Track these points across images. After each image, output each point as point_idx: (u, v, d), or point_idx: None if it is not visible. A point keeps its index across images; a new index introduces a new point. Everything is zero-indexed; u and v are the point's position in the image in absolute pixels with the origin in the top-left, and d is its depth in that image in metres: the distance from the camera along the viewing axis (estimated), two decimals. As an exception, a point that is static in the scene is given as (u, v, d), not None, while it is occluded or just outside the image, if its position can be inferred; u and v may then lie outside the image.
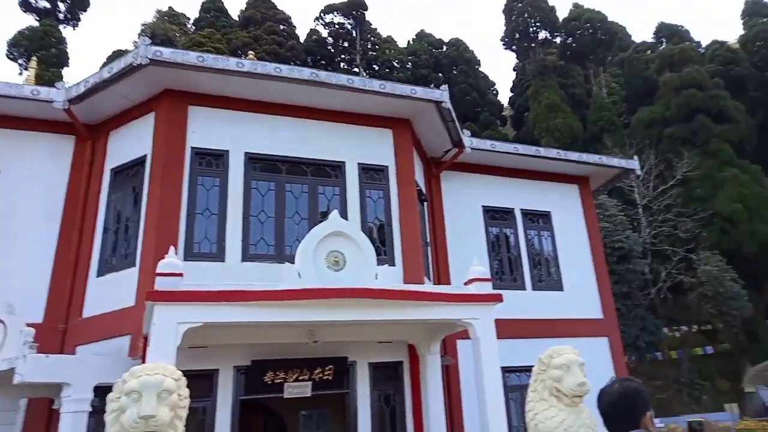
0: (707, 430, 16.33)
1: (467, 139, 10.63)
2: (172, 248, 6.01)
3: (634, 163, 13.02)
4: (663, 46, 41.17)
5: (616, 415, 2.09)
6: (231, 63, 7.87)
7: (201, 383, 6.79)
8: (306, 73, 8.30)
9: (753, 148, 35.02)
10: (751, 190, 29.04)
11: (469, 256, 8.19)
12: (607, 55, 48.89)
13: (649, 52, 46.15)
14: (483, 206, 11.53)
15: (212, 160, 8.23)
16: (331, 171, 8.89)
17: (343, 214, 8.33)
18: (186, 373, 3.78)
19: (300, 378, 7.27)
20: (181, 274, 5.71)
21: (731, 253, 27.00)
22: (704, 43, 45.96)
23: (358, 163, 9.04)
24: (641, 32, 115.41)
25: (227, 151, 8.29)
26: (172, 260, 5.77)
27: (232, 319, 5.76)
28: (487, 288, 6.95)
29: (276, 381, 7.18)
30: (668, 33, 42.25)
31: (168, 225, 7.45)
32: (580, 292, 11.72)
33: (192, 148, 8.10)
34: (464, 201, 11.37)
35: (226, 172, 8.19)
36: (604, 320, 11.65)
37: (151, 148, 8.06)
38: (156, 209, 7.50)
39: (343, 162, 8.95)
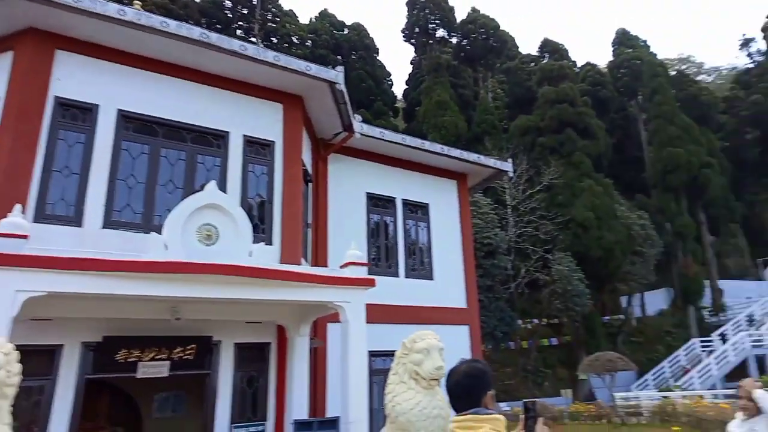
0: (545, 412, 18.26)
1: (358, 124, 10.67)
2: (18, 206, 5.33)
3: (507, 166, 13.98)
4: (545, 61, 44.54)
5: (460, 393, 2.21)
6: (111, 8, 7.08)
7: (41, 360, 6.15)
8: (196, 32, 7.74)
9: (608, 163, 39.32)
10: (602, 201, 32.60)
11: (348, 241, 8.27)
12: (496, 62, 51.79)
13: (532, 64, 49.68)
14: (367, 193, 11.70)
15: (78, 114, 7.39)
16: (214, 140, 8.44)
17: (222, 187, 7.99)
18: (23, 348, 3.40)
19: (157, 357, 6.86)
20: (26, 236, 5.09)
21: (581, 256, 30.18)
22: (579, 63, 50.59)
23: (244, 135, 8.68)
24: (528, 45, 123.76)
25: (97, 106, 7.49)
26: (16, 220, 5.13)
27: (82, 289, 5.25)
28: (361, 272, 7.08)
29: (129, 360, 6.71)
30: (551, 49, 45.76)
31: (17, 180, 6.58)
32: (449, 282, 12.40)
33: (55, 97, 7.20)
34: (349, 186, 11.44)
35: (93, 129, 7.40)
36: (467, 310, 12.44)
37: (5, 91, 7.03)
38: (4, 162, 6.59)
39: (228, 132, 8.53)
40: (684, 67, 70.68)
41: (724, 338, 30.11)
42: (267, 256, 6.63)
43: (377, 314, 9.69)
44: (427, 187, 12.83)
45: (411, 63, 57.74)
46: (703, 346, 30.60)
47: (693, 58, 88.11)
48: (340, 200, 11.13)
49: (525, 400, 2.25)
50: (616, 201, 34.90)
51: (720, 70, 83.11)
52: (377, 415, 9.19)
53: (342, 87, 9.19)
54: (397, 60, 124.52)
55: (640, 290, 35.49)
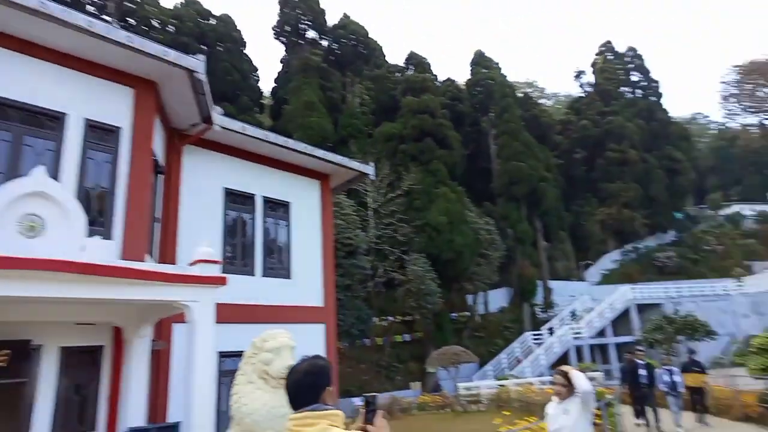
0: (395, 405, 19.16)
1: (218, 116, 10.28)
2: None
3: (369, 169, 14.44)
4: (410, 72, 46.63)
5: (299, 391, 2.20)
6: None
7: None
8: (33, 1, 6.88)
9: (462, 173, 42.34)
10: (455, 207, 35.04)
11: (201, 237, 7.94)
12: (364, 69, 53.00)
13: (398, 74, 51.66)
14: (225, 188, 11.31)
15: None
16: (48, 121, 7.57)
17: (55, 174, 7.21)
18: None
19: (-40, 364, 5.99)
20: None
21: (434, 257, 32.11)
22: (441, 78, 53.77)
23: (86, 119, 7.89)
24: (395, 55, 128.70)
25: None
26: None
27: None
28: (212, 270, 6.85)
29: None
30: (416, 62, 47.92)
31: None
32: (307, 281, 12.46)
33: None
34: (206, 180, 10.97)
35: None
36: (324, 308, 12.61)
37: None
38: None
39: (65, 114, 7.70)
40: (529, 90, 78.62)
41: (551, 331, 34.15)
42: (104, 251, 6.10)
43: (231, 314, 9.44)
44: (290, 185, 12.76)
45: (281, 61, 56.80)
46: (534, 339, 34.34)
47: (536, 83, 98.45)
48: (195, 194, 10.63)
49: (365, 394, 2.33)
50: (467, 207, 37.70)
51: (558, 96, 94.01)
52: (226, 417, 8.94)
53: (202, 76, 8.80)
54: (266, 57, 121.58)
55: (484, 289, 38.76)
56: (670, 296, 36.78)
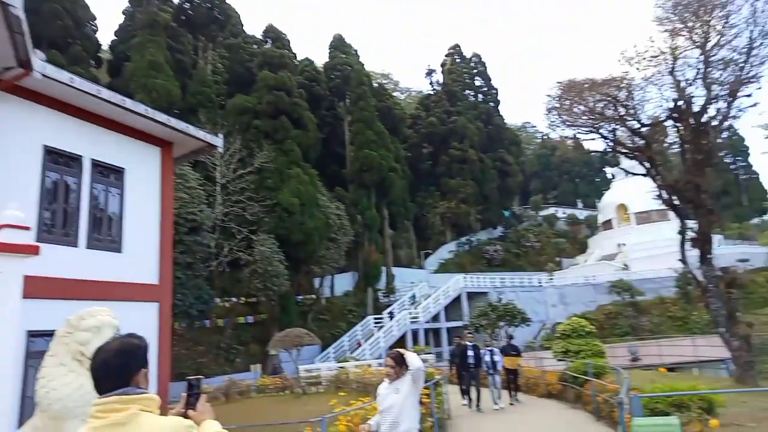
0: (233, 388, 18.55)
1: (40, 62, 8.75)
2: None
3: (218, 141, 13.52)
4: (268, 46, 44.96)
5: (106, 373, 1.91)
6: None
7: None
8: None
9: (316, 156, 42.15)
10: (307, 189, 34.85)
11: (11, 200, 6.71)
12: (219, 35, 49.88)
13: (255, 46, 49.56)
14: (45, 146, 9.71)
15: None
16: None
17: None
18: None
19: None
20: None
21: (283, 238, 31.61)
22: (299, 57, 52.80)
23: None
24: (253, 26, 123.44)
25: None
26: None
27: None
28: (21, 237, 5.83)
29: None
30: (274, 36, 46.33)
31: None
32: (140, 256, 11.32)
33: None
34: (21, 134, 9.30)
35: None
36: (158, 286, 11.58)
37: None
38: None
39: None
40: (384, 81, 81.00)
41: (391, 315, 35.81)
42: None
43: (46, 288, 8.25)
44: (126, 150, 11.40)
45: (123, 13, 50.95)
46: (375, 322, 35.74)
47: (392, 76, 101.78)
48: (7, 150, 8.99)
49: (189, 377, 2.07)
50: (320, 191, 37.75)
51: (411, 91, 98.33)
52: (33, 404, 7.77)
53: (19, 12, 7.38)
54: (107, 5, 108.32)
55: (331, 273, 39.29)
56: (495, 286, 40.85)
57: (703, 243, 15.46)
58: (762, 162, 71.09)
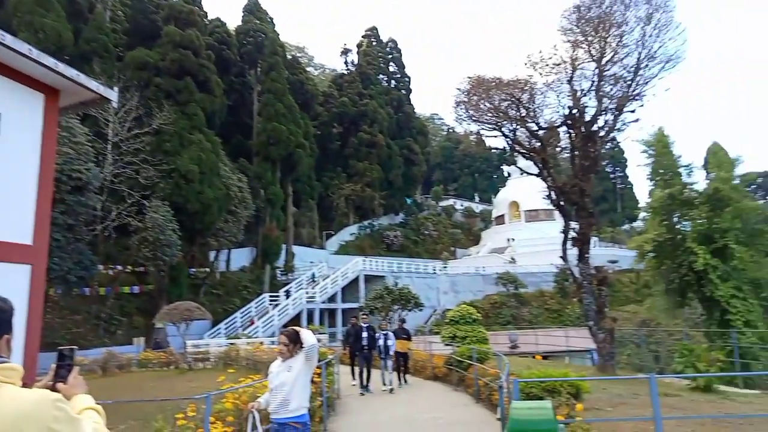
0: (111, 360, 17.40)
1: None
2: None
3: (112, 94, 12.33)
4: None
5: None
6: None
7: None
8: None
9: (221, 123, 40.28)
10: (209, 157, 33.23)
11: None
12: (121, -21, 45.71)
13: (161, -3, 46.03)
14: None
15: None
16: None
17: None
18: None
19: None
20: None
21: (178, 207, 29.95)
22: (210, 17, 49.84)
23: None
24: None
25: None
26: None
27: None
28: None
29: None
30: (183, -10, 43.33)
31: None
32: (11, 213, 10.16)
33: None
34: None
35: None
36: (32, 247, 10.44)
37: None
38: None
39: None
40: (299, 55, 79.03)
41: (288, 294, 35.45)
42: None
43: None
44: (3, 93, 10.14)
45: (4, -65, 44.82)
46: (271, 300, 35.20)
47: (307, 50, 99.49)
48: None
49: (60, 347, 1.86)
50: (222, 160, 36.17)
51: (325, 68, 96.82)
52: None
53: None
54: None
55: (228, 246, 37.91)
56: (392, 270, 41.81)
57: (582, 243, 16.83)
58: (636, 174, 78.86)
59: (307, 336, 4.68)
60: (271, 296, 35.62)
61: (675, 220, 19.95)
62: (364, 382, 13.27)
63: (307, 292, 35.05)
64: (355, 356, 13.89)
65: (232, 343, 21.86)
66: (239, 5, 53.17)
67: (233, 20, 54.25)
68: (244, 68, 49.19)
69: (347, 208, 58.75)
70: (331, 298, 36.73)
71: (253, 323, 31.56)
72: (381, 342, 13.46)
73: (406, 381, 14.68)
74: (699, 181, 22.19)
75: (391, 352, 13.66)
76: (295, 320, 32.10)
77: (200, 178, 31.74)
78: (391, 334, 13.96)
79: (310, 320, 33.41)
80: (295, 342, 4.77)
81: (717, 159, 26.61)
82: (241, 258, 41.72)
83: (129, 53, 36.79)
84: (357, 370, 13.66)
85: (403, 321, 16.68)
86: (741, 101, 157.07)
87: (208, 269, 36.03)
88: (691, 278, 17.66)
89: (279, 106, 43.69)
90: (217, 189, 32.93)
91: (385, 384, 13.30)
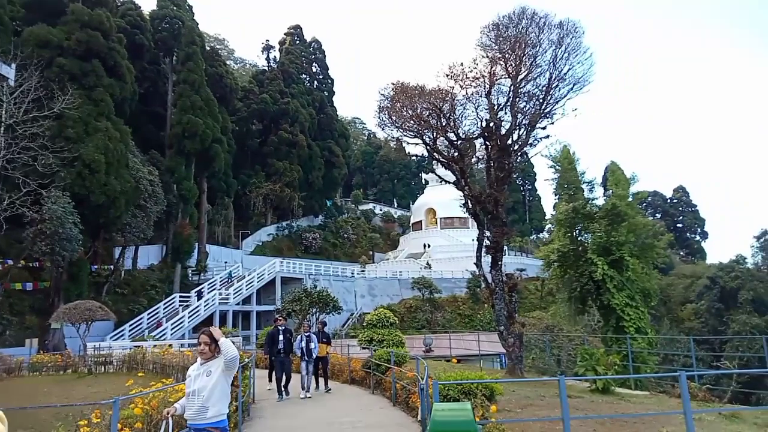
0: (0, 364, 15.80)
1: None
2: None
3: (8, 70, 11.46)
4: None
5: None
6: None
7: None
8: None
9: (131, 112, 37.87)
10: (117, 147, 31.13)
11: None
12: (22, -54, 41.77)
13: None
14: None
15: None
16: None
17: None
18: None
19: None
20: None
21: (81, 198, 27.81)
22: (124, -1, 46.90)
23: None
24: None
25: None
26: None
27: None
28: None
29: None
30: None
31: None
32: None
33: None
34: None
35: None
36: None
37: None
38: None
39: None
40: (219, 47, 76.48)
41: (200, 295, 34.03)
42: None
43: None
44: None
45: None
46: (181, 301, 33.61)
47: (227, 43, 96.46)
48: None
49: None
50: (131, 151, 34.12)
51: (246, 63, 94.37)
52: None
53: None
54: None
55: (136, 243, 35.71)
56: (310, 273, 41.46)
57: (496, 251, 17.65)
58: (544, 187, 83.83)
59: (227, 347, 4.55)
60: (181, 297, 34.01)
61: (578, 232, 21.39)
62: (281, 388, 12.77)
63: (220, 294, 33.85)
64: (272, 361, 13.40)
65: (137, 346, 20.63)
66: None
67: (148, 4, 51.37)
68: (159, 56, 46.75)
69: (265, 208, 57.49)
70: (246, 300, 35.75)
71: (160, 325, 29.95)
72: (303, 344, 12.91)
73: (327, 386, 14.22)
74: (599, 196, 24.04)
75: (314, 355, 13.15)
76: (208, 322, 30.89)
77: (106, 169, 29.67)
78: (313, 336, 13.43)
79: (223, 322, 32.30)
80: (216, 341, 4.64)
81: (615, 177, 28.95)
82: (149, 255, 39.50)
83: (28, 29, 33.66)
84: (276, 375, 13.11)
85: (323, 324, 16.20)
86: (636, 124, 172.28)
87: (112, 267, 33.73)
88: (591, 287, 19.03)
89: (195, 98, 41.89)
90: (125, 181, 30.97)
91: (303, 387, 12.95)
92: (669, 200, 77.20)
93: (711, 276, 45.67)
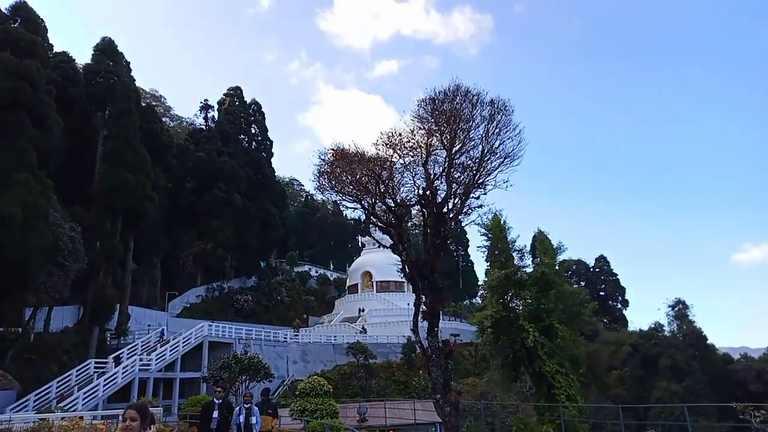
0: None
1: None
2: None
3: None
4: (16, 25, 37.82)
5: None
6: None
7: None
8: None
9: (57, 165, 36.09)
10: (38, 201, 29.27)
11: None
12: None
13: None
14: None
15: None
16: None
17: None
18: None
19: None
20: None
21: (-9, 255, 25.74)
22: (57, 49, 45.72)
23: None
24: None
25: None
26: None
27: None
28: None
29: None
30: (25, 16, 38.96)
31: None
32: None
33: None
34: None
35: None
36: None
37: None
38: None
39: None
40: (154, 103, 75.55)
41: (118, 361, 31.51)
42: None
43: None
44: None
45: None
46: (97, 367, 30.91)
47: (164, 100, 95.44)
48: None
49: None
50: (53, 206, 32.22)
51: (182, 120, 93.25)
52: None
53: None
54: None
55: (50, 303, 32.95)
56: (240, 337, 39.70)
57: (432, 317, 17.76)
58: (476, 254, 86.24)
59: None
60: (97, 363, 31.27)
61: (509, 298, 22.01)
62: None
63: (140, 359, 31.53)
64: None
65: (42, 419, 18.61)
66: (92, 41, 49.56)
67: (83, 58, 50.38)
68: (91, 109, 45.37)
69: (195, 268, 55.27)
70: (170, 367, 33.43)
71: (70, 395, 27.15)
72: (242, 420, 10.85)
73: None
74: (529, 264, 25.01)
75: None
76: (125, 391, 28.55)
77: (23, 224, 27.75)
78: (255, 409, 11.30)
79: (143, 392, 29.89)
80: (145, 417, 4.28)
81: (543, 246, 30.34)
82: (64, 317, 36.49)
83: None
84: None
85: (267, 392, 14.40)
86: (562, 194, 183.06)
87: (20, 329, 30.80)
88: (523, 354, 19.44)
89: (128, 153, 40.62)
90: (43, 237, 28.98)
91: None
92: (591, 269, 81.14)
93: (633, 343, 47.82)
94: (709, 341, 48.37)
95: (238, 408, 11.09)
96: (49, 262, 29.67)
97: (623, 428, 16.78)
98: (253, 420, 10.91)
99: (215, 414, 10.56)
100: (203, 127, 67.80)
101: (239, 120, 68.31)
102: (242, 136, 68.74)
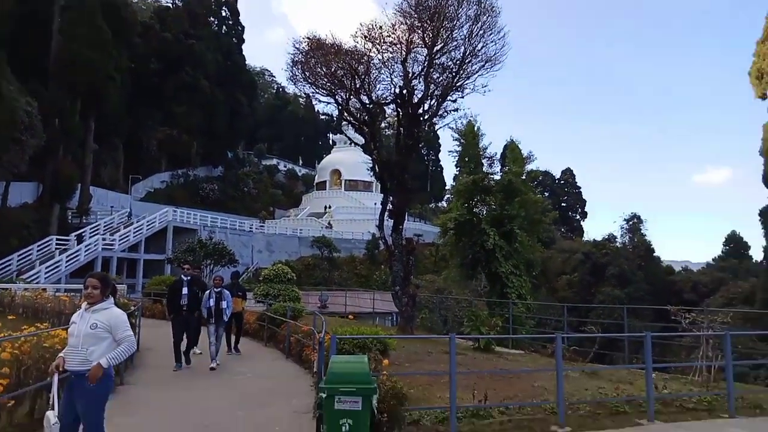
0: None
1: None
2: None
3: None
4: None
5: None
6: None
7: None
8: None
9: (10, 35, 33.24)
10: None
11: None
12: None
13: None
14: None
15: None
16: None
17: None
18: None
19: None
20: None
21: (-60, 124, 24.38)
22: None
23: None
24: None
25: None
26: None
27: None
28: None
29: None
30: None
31: None
32: None
33: None
34: None
35: None
36: None
37: None
38: None
39: None
40: (118, -27, 68.91)
41: (81, 239, 31.56)
42: None
43: None
44: None
45: None
46: (58, 244, 30.97)
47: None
48: None
49: None
50: (7, 78, 30.25)
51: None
52: None
53: None
54: None
55: (7, 178, 32.05)
56: (206, 224, 39.96)
57: (398, 216, 18.14)
58: (447, 159, 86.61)
59: (124, 329, 4.35)
60: (58, 240, 31.32)
61: (474, 203, 22.56)
62: (181, 354, 10.32)
63: (103, 239, 31.64)
64: (173, 320, 10.43)
65: (4, 288, 18.85)
66: None
67: None
68: (46, -27, 41.25)
69: (160, 153, 53.99)
70: (133, 248, 33.77)
71: (23, 273, 27.13)
72: (212, 303, 10.56)
73: (238, 349, 12.41)
74: (497, 171, 25.47)
75: (225, 318, 10.82)
76: (88, 268, 28.89)
77: (-26, 94, 26.18)
78: (226, 293, 11.02)
79: (106, 270, 30.32)
80: (106, 285, 4.43)
81: (513, 155, 30.72)
82: (23, 193, 35.70)
83: None
84: (175, 339, 10.31)
85: (237, 275, 14.31)
86: (537, 104, 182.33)
87: (-24, 203, 30.19)
88: (482, 255, 20.31)
89: (87, 29, 37.75)
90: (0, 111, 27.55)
91: (212, 360, 10.38)
92: (557, 180, 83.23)
93: (585, 252, 50.42)
94: (656, 254, 51.35)
95: (208, 291, 10.82)
96: (5, 137, 28.41)
97: (565, 325, 18.22)
98: (224, 304, 10.77)
99: (184, 290, 10.43)
100: (169, 5, 62.91)
101: (208, 1, 63.61)
102: (212, 18, 64.38)
